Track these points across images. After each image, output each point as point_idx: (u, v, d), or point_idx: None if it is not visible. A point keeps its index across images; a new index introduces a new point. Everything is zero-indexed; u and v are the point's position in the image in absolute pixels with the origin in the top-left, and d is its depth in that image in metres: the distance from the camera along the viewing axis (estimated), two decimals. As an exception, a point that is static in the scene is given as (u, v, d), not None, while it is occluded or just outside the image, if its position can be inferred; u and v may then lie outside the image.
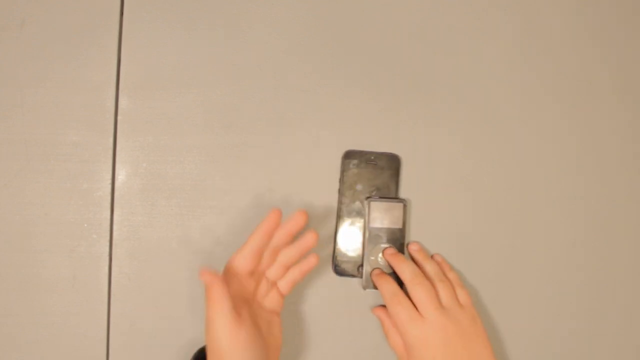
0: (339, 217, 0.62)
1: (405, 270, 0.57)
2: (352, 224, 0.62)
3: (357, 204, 0.62)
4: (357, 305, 0.62)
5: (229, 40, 0.64)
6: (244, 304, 0.52)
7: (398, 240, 0.61)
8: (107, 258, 0.61)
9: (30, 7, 0.62)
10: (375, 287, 0.60)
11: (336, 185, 0.62)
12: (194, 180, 0.62)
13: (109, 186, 0.62)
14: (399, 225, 0.61)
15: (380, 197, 0.61)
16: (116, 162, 0.62)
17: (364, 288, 0.61)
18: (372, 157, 0.62)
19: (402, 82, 0.64)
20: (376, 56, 0.64)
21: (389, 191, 0.62)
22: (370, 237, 0.61)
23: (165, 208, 0.62)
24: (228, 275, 0.53)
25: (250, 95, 0.63)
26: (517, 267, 0.63)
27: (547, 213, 0.64)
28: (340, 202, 0.62)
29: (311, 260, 0.57)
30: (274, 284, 0.57)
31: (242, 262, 0.53)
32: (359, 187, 0.62)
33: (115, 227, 0.62)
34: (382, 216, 0.61)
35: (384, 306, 0.59)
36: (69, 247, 0.61)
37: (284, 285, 0.57)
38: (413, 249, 0.61)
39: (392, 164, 0.62)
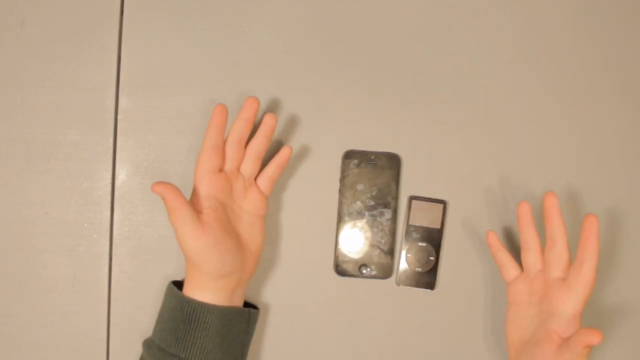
0: (339, 218, 0.62)
1: (598, 251, 0.53)
2: (353, 224, 0.62)
3: (358, 204, 0.62)
4: (358, 306, 0.62)
5: (229, 40, 0.64)
6: (212, 208, 0.53)
7: (435, 240, 0.62)
8: (107, 258, 0.61)
9: (30, 7, 0.62)
10: (407, 285, 0.61)
11: (337, 185, 0.62)
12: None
13: (109, 186, 0.62)
14: (437, 226, 0.62)
15: (422, 197, 0.62)
16: (116, 162, 0.62)
17: (398, 284, 0.61)
18: (373, 157, 0.62)
19: (402, 82, 0.64)
20: (376, 56, 0.64)
21: (389, 191, 0.62)
22: (407, 235, 0.61)
23: (165, 208, 0.62)
24: (197, 180, 0.54)
25: (250, 94, 0.63)
26: (517, 267, 0.64)
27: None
28: (340, 202, 0.62)
29: (285, 152, 0.58)
30: (252, 183, 0.57)
31: (206, 160, 0.54)
32: (359, 187, 0.62)
33: (115, 226, 0.62)
34: (422, 215, 0.62)
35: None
36: (69, 246, 0.61)
37: (263, 184, 0.58)
38: (552, 201, 0.56)
39: (392, 163, 0.62)
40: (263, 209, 0.58)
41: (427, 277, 0.62)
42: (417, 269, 0.61)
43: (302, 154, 0.63)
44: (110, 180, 0.62)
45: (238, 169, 0.57)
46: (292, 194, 0.63)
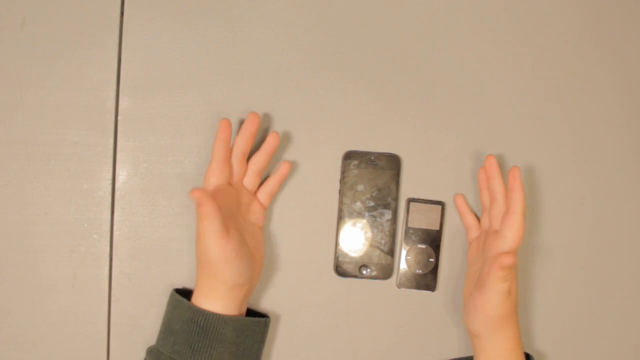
0: (340, 218, 0.62)
1: (524, 198, 0.56)
2: (353, 224, 0.62)
3: (358, 204, 0.62)
4: (359, 306, 0.62)
5: (228, 40, 0.64)
6: (230, 219, 0.54)
7: (435, 242, 0.62)
8: (107, 258, 0.61)
9: (30, 7, 0.62)
10: (409, 287, 0.61)
11: (337, 186, 0.62)
12: (194, 180, 0.62)
13: (110, 186, 0.62)
14: (437, 227, 0.62)
15: (420, 199, 0.62)
16: (116, 162, 0.62)
17: (399, 287, 0.62)
18: (373, 158, 0.62)
19: (402, 82, 0.64)
20: (377, 56, 0.64)
21: (389, 192, 0.62)
22: (407, 237, 0.62)
23: (165, 208, 0.62)
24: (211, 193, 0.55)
25: (250, 95, 0.63)
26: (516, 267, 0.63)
27: (547, 212, 0.64)
28: (341, 203, 0.62)
29: (284, 168, 0.60)
30: (254, 196, 0.59)
31: (215, 175, 0.56)
32: (359, 187, 0.62)
33: (115, 227, 0.62)
34: (421, 217, 0.62)
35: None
36: (69, 247, 0.61)
37: (263, 197, 0.60)
38: (492, 162, 0.59)
39: (392, 164, 0.62)
40: (263, 220, 0.60)
41: (427, 279, 0.62)
42: (417, 271, 0.61)
43: (303, 154, 0.63)
44: (110, 181, 0.62)
45: (241, 182, 0.59)
46: (293, 195, 0.63)
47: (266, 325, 0.57)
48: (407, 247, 0.62)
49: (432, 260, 0.62)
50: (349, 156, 0.62)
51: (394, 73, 0.64)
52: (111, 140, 0.62)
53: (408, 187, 0.63)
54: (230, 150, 0.57)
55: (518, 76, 0.65)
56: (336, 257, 0.62)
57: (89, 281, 0.61)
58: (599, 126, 0.65)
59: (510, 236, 0.55)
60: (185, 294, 0.56)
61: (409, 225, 0.62)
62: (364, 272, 0.62)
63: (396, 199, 0.62)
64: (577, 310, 0.64)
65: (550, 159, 0.65)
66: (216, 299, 0.53)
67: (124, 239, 0.61)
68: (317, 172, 0.63)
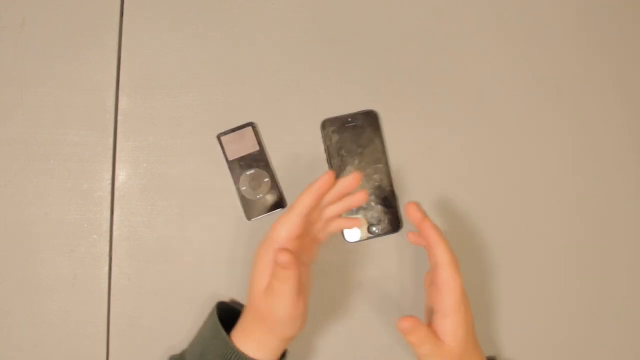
0: None
1: (449, 251, 0.51)
2: None
3: (349, 168, 0.62)
4: (378, 264, 0.62)
5: (228, 40, 0.64)
6: (300, 273, 0.50)
7: (262, 161, 0.61)
8: (107, 258, 0.61)
9: (30, 7, 0.62)
10: (259, 215, 0.60)
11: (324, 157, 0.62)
12: (194, 180, 0.62)
13: (109, 186, 0.62)
14: (256, 148, 0.61)
15: (228, 130, 0.61)
16: (116, 162, 0.62)
17: (249, 218, 0.61)
18: (349, 119, 0.62)
19: (402, 82, 0.64)
20: (377, 57, 0.64)
21: (375, 147, 0.62)
22: (233, 170, 0.61)
23: (165, 208, 0.62)
24: (277, 244, 0.50)
25: (250, 95, 0.63)
26: (516, 267, 0.63)
27: (546, 212, 0.64)
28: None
29: (355, 222, 0.55)
30: (317, 240, 0.55)
31: (291, 226, 0.50)
32: (344, 151, 0.62)
33: (115, 227, 0.62)
34: (237, 146, 0.61)
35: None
36: (69, 247, 0.61)
37: (322, 236, 0.55)
38: (413, 210, 0.53)
39: (370, 120, 0.62)
40: (317, 258, 0.56)
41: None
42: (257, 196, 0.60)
43: (303, 154, 0.63)
44: (110, 181, 0.62)
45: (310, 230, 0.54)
46: (292, 194, 0.63)
47: None
48: (237, 179, 0.61)
49: (266, 180, 0.61)
50: (326, 124, 0.62)
51: (394, 73, 0.64)
52: (111, 140, 0.62)
53: (408, 188, 0.63)
54: (317, 205, 0.52)
55: (518, 76, 0.65)
56: None
57: (89, 281, 0.61)
58: (599, 126, 0.65)
59: (446, 294, 0.50)
60: (229, 309, 0.55)
61: (230, 158, 0.60)
62: (374, 230, 0.62)
63: (384, 152, 0.62)
64: (575, 316, 0.64)
65: (550, 158, 0.65)
66: (260, 347, 0.51)
67: (124, 238, 0.61)
68: (317, 172, 0.63)
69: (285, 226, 0.50)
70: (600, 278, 0.64)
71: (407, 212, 0.53)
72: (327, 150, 0.62)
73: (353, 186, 0.52)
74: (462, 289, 0.51)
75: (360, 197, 0.53)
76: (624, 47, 0.66)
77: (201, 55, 0.63)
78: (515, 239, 0.64)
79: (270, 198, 0.62)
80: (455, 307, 0.50)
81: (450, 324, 0.50)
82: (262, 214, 0.62)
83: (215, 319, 0.54)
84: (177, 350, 0.59)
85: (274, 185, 0.62)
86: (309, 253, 0.54)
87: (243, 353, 0.51)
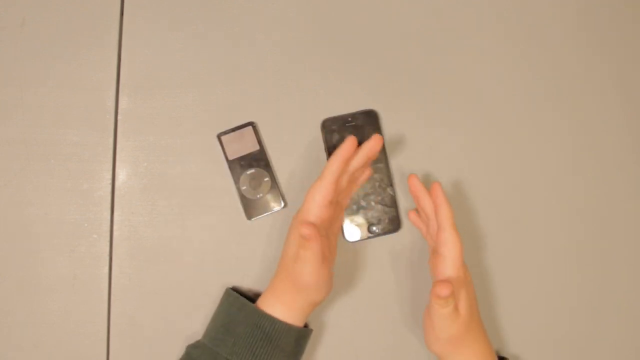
0: None
1: (450, 212, 0.55)
2: None
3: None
4: (377, 264, 0.62)
5: (228, 40, 0.64)
6: (325, 246, 0.54)
7: (262, 161, 0.62)
8: (107, 258, 0.61)
9: (30, 7, 0.62)
10: (259, 214, 0.61)
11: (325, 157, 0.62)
12: (194, 180, 0.62)
13: (109, 186, 0.62)
14: (256, 148, 0.62)
15: (228, 130, 0.62)
16: (116, 162, 0.62)
17: (249, 218, 0.61)
18: (350, 119, 0.62)
19: (402, 82, 0.64)
20: (377, 57, 0.64)
21: None
22: (233, 170, 0.61)
23: (165, 208, 0.62)
24: (310, 210, 0.53)
25: (250, 95, 0.63)
26: (516, 265, 0.63)
27: (546, 211, 0.64)
28: None
29: (375, 144, 0.56)
30: (342, 205, 0.59)
31: (325, 194, 0.53)
32: None
33: (115, 227, 0.62)
34: (237, 146, 0.61)
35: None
36: (69, 247, 0.61)
37: (346, 202, 0.60)
38: (414, 183, 0.58)
39: (370, 119, 0.62)
40: (342, 222, 0.61)
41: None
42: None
43: (303, 154, 0.63)
44: (110, 181, 0.62)
45: (338, 197, 0.58)
46: (293, 194, 0.63)
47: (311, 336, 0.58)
48: (237, 178, 0.61)
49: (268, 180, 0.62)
50: (326, 124, 0.62)
51: (394, 73, 0.64)
52: (111, 140, 0.62)
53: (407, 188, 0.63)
54: (345, 170, 0.55)
55: (518, 76, 0.65)
56: (342, 224, 0.62)
57: (89, 281, 0.61)
58: (599, 126, 0.65)
59: (447, 254, 0.53)
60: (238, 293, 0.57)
61: (230, 158, 0.61)
62: (375, 229, 0.62)
63: (384, 151, 0.62)
64: (576, 313, 0.64)
65: (550, 159, 0.65)
66: (289, 308, 0.54)
67: (124, 238, 0.61)
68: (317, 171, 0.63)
69: (319, 193, 0.53)
70: (600, 275, 0.64)
71: (411, 181, 0.57)
72: (328, 150, 0.62)
73: (376, 148, 0.55)
74: (462, 250, 0.54)
75: (375, 142, 0.55)
76: (624, 47, 0.66)
77: (201, 55, 0.63)
78: (515, 238, 0.64)
79: (270, 198, 0.62)
80: (457, 264, 0.53)
81: (454, 265, 0.53)
82: (262, 214, 0.62)
83: (235, 295, 0.56)
84: (177, 349, 0.59)
85: (274, 185, 0.62)
86: (337, 220, 0.59)
87: (274, 317, 0.53)
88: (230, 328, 0.54)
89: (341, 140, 0.62)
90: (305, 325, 0.58)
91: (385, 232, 0.62)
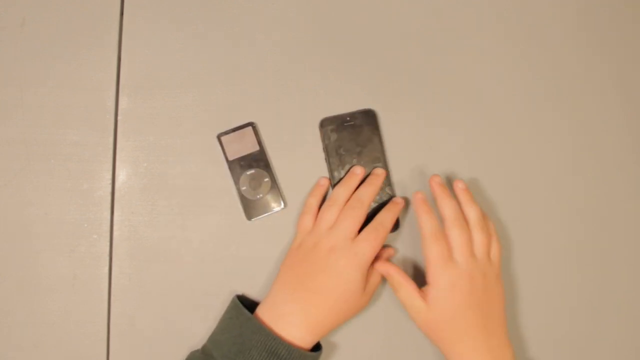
0: (333, 186, 0.62)
1: (449, 208, 0.57)
2: None
3: (347, 167, 0.62)
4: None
5: (228, 40, 0.64)
6: None
7: (262, 161, 0.61)
8: (107, 258, 0.61)
9: (30, 7, 0.62)
10: (259, 215, 0.61)
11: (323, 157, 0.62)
12: (194, 180, 0.62)
13: (109, 186, 0.62)
14: (256, 148, 0.62)
15: (228, 130, 0.62)
16: (116, 162, 0.62)
17: (249, 218, 0.61)
18: (348, 118, 0.62)
19: (402, 82, 0.64)
20: (376, 57, 0.64)
21: (374, 146, 0.62)
22: (233, 170, 0.61)
23: (165, 208, 0.62)
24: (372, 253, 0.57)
25: (250, 95, 0.63)
26: (516, 265, 0.63)
27: (546, 211, 0.64)
28: (331, 171, 0.62)
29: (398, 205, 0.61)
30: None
31: (380, 244, 0.57)
32: (342, 150, 0.62)
33: (115, 227, 0.62)
34: (237, 146, 0.61)
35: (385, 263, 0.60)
36: (69, 247, 0.61)
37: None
38: (459, 187, 0.59)
39: (368, 119, 0.62)
40: None
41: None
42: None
43: (304, 154, 0.63)
44: (110, 181, 0.62)
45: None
46: (292, 194, 0.63)
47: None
48: (237, 179, 0.61)
49: (267, 180, 0.62)
50: (324, 123, 0.62)
51: (393, 73, 0.64)
52: (111, 140, 0.62)
53: (408, 188, 0.63)
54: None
55: (518, 76, 0.65)
56: None
57: (89, 281, 0.61)
58: (599, 126, 0.65)
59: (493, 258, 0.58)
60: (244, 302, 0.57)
61: (230, 158, 0.61)
62: None
63: (382, 151, 0.62)
64: (576, 313, 0.64)
65: (550, 159, 0.65)
66: (314, 334, 0.54)
67: (124, 238, 0.61)
68: (318, 171, 0.63)
69: (376, 247, 0.56)
70: (600, 275, 0.64)
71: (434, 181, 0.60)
72: (326, 149, 0.62)
73: (383, 176, 0.61)
74: (428, 233, 0.56)
75: (381, 172, 0.62)
76: (624, 47, 0.66)
77: (201, 55, 0.63)
78: (515, 238, 0.64)
79: (270, 198, 0.62)
80: (426, 247, 0.56)
81: (429, 271, 0.56)
82: (262, 214, 0.62)
83: (248, 314, 0.54)
84: (177, 350, 0.59)
85: (274, 185, 0.62)
86: None
87: (289, 342, 0.52)
88: (244, 350, 0.52)
89: (339, 139, 0.62)
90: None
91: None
